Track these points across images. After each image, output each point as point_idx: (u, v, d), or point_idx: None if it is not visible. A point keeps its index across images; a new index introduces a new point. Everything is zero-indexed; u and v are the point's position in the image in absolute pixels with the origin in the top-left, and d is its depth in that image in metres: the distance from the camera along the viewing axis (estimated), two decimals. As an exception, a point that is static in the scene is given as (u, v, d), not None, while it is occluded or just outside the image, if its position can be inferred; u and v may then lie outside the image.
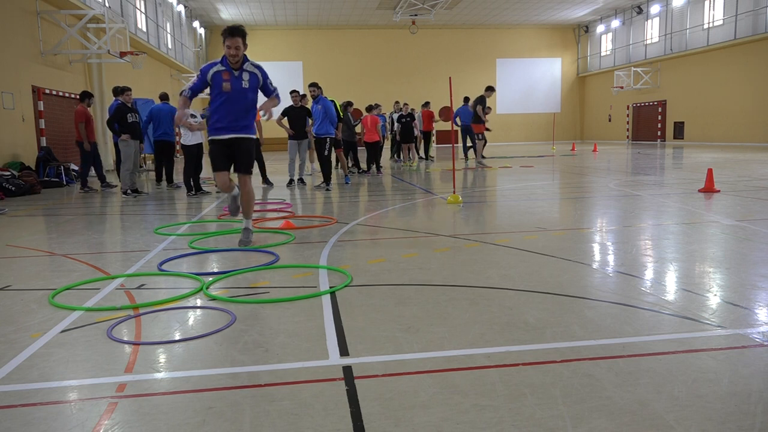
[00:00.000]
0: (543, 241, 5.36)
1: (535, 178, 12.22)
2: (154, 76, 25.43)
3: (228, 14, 34.16)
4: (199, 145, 10.39)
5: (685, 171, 13.24)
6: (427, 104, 19.15)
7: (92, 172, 12.00)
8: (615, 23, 33.58)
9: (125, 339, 3.01)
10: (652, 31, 31.04)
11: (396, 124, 17.67)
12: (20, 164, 13.17)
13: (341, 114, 11.79)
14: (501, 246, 5.15)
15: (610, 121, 35.51)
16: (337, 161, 12.66)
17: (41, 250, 5.55)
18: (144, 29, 24.84)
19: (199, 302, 3.70)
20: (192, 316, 3.46)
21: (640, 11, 31.36)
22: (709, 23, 26.69)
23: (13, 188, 11.13)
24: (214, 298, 3.71)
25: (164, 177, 11.84)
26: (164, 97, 11.94)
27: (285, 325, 3.17)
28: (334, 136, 10.82)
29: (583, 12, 33.76)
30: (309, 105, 11.47)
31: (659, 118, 30.70)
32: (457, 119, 18.09)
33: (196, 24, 33.96)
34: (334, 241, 5.62)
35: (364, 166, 14.51)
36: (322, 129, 10.69)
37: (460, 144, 19.07)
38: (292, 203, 9.00)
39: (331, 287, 3.89)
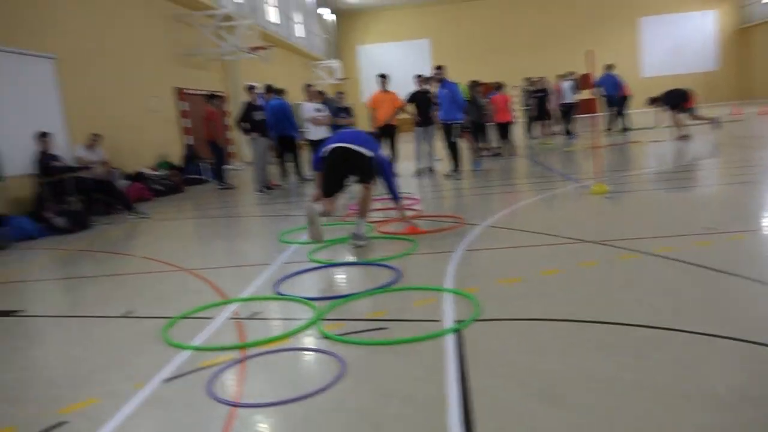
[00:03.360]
0: (719, 250, 4.39)
1: (693, 153, 10.69)
2: (289, 67, 26.10)
3: (355, -2, 34.29)
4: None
5: None
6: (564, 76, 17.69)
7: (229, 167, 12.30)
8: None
9: (224, 398, 2.69)
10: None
11: (530, 100, 16.56)
12: (167, 164, 13.98)
13: (467, 96, 11.10)
14: (665, 258, 4.27)
15: (781, 76, 31.02)
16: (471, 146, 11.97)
17: (170, 264, 5.55)
18: (276, 22, 25.55)
19: (309, 341, 3.33)
20: (299, 363, 3.09)
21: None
22: None
23: (162, 188, 11.77)
24: (326, 337, 3.32)
25: (295, 171, 11.81)
26: (271, 89, 11.76)
27: (400, 385, 2.68)
28: (461, 121, 10.17)
29: (745, -47, 29.60)
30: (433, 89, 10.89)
31: None
32: (601, 89, 16.58)
33: (324, 11, 34.46)
34: (462, 250, 5.05)
35: (495, 148, 13.68)
36: (449, 114, 10.07)
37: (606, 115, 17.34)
38: (420, 197, 8.49)
39: (456, 322, 3.35)
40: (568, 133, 17.27)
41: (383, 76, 11.20)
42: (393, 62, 34.79)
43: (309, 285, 4.51)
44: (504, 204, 7.38)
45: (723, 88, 33.20)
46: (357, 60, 36.93)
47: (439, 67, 10.26)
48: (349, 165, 5.45)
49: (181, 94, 15.66)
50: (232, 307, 4.02)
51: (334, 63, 32.35)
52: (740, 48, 33.71)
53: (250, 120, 10.47)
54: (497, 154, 13.37)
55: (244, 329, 3.59)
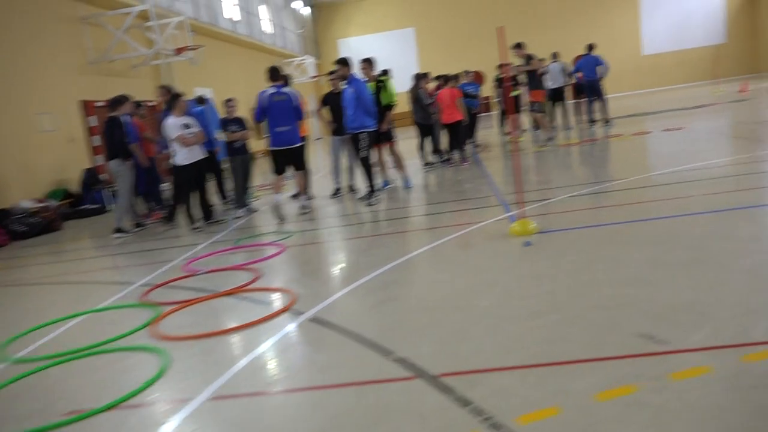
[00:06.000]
0: None
1: (690, 151, 8.24)
2: (250, 67, 23.77)
3: (331, -13, 31.94)
4: (199, 164, 7.75)
5: None
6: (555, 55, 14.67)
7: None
8: None
9: None
10: None
11: (498, 90, 14.18)
12: (64, 191, 11.82)
13: (394, 97, 8.79)
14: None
15: (796, 46, 28.07)
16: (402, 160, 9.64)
17: None
18: (235, 18, 23.33)
19: None
20: None
21: None
22: None
23: (26, 228, 9.59)
24: None
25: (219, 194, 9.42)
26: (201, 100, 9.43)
27: None
28: (372, 128, 7.84)
29: None
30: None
31: None
32: (579, 73, 14.13)
33: (298, 5, 32.13)
34: (205, 397, 2.78)
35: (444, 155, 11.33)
36: (355, 121, 7.76)
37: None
38: (285, 243, 6.19)
39: None
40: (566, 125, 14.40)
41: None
42: (377, 54, 32.15)
43: None
44: (381, 259, 5.01)
45: (732, 62, 30.27)
46: (339, 54, 34.63)
47: (341, 61, 7.92)
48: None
49: (90, 107, 13.42)
50: None
51: (309, 59, 30.08)
52: (750, 19, 30.72)
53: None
54: (447, 161, 11.02)
55: None
